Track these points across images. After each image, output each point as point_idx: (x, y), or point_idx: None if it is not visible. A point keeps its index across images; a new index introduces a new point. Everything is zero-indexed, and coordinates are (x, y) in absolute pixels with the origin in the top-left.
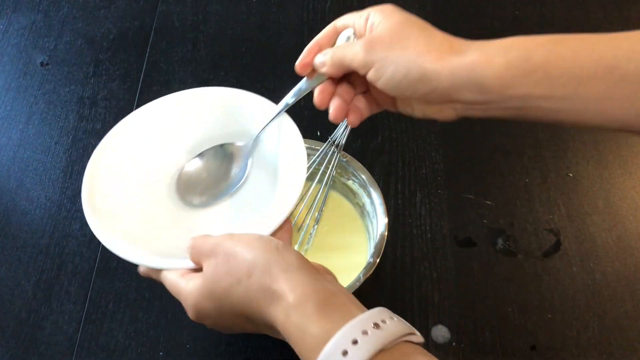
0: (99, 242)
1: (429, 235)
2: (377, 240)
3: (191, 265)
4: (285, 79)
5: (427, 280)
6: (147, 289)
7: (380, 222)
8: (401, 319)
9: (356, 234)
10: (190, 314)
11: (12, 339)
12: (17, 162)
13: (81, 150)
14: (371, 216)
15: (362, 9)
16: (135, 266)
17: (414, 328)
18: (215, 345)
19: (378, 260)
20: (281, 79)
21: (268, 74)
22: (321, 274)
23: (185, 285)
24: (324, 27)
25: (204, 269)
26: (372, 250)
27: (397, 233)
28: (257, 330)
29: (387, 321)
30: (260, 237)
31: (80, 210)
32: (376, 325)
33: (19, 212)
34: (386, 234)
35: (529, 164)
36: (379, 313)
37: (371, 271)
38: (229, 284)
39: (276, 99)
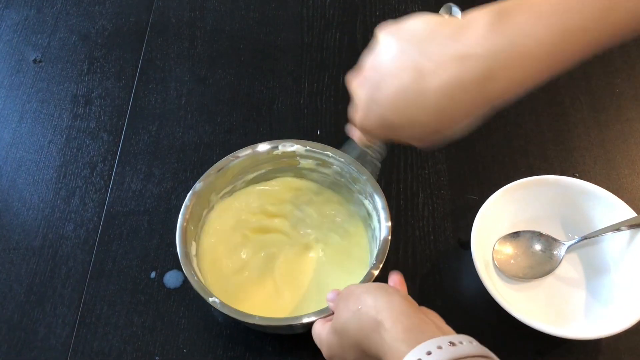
0: (93, 244)
1: (432, 237)
2: (380, 244)
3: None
4: (285, 77)
5: (430, 282)
6: (143, 292)
7: (383, 225)
8: (482, 345)
9: (358, 237)
10: (324, 351)
11: (4, 344)
12: (10, 161)
13: (75, 150)
14: (374, 219)
15: (363, 5)
16: (131, 268)
17: (492, 353)
18: (212, 350)
19: (381, 266)
20: (280, 76)
21: (267, 72)
22: (423, 312)
23: (321, 328)
24: (323, 24)
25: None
26: (374, 254)
27: (399, 234)
28: None
29: (465, 343)
30: (378, 284)
31: (74, 211)
32: (452, 344)
33: (11, 213)
34: (390, 238)
35: (535, 164)
36: (459, 336)
37: (374, 276)
38: (346, 317)
39: (275, 98)
